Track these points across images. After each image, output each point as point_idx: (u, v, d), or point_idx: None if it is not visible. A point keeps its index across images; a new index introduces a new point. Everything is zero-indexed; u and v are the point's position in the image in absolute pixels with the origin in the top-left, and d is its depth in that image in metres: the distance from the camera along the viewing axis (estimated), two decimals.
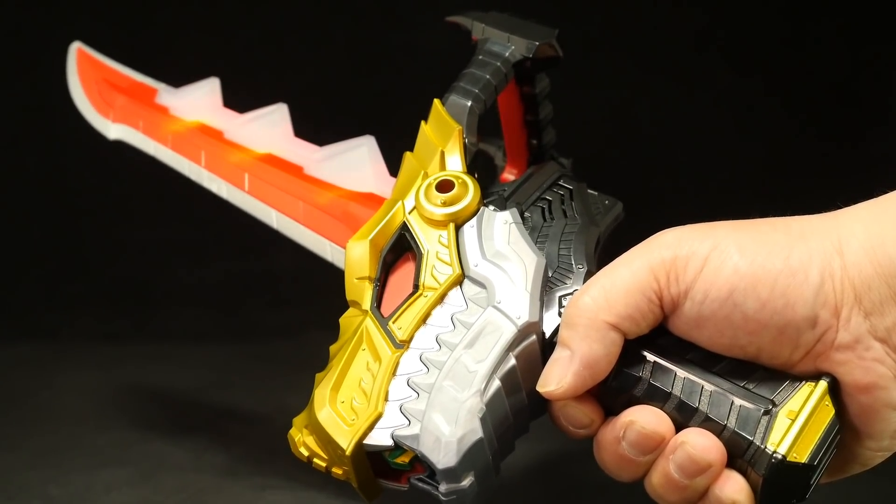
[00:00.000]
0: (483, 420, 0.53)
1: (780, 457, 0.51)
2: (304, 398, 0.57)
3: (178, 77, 0.77)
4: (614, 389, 0.54)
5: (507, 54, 0.64)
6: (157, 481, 0.73)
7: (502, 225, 0.59)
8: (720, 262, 0.52)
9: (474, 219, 0.59)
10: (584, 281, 0.57)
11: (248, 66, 1.13)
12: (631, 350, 0.54)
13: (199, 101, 0.74)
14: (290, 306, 1.01)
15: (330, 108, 1.04)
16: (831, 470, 0.54)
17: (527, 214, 0.61)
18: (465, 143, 0.62)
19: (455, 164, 0.61)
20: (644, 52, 1.15)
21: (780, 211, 0.55)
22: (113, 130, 0.75)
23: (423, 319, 0.57)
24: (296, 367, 0.72)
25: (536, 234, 0.60)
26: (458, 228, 0.59)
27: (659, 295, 0.53)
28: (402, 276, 0.59)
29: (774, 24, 1.17)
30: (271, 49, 1.16)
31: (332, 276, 0.64)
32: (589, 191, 0.64)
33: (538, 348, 0.56)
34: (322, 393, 0.56)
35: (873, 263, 0.51)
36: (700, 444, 0.52)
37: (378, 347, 0.56)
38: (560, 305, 0.57)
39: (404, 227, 0.60)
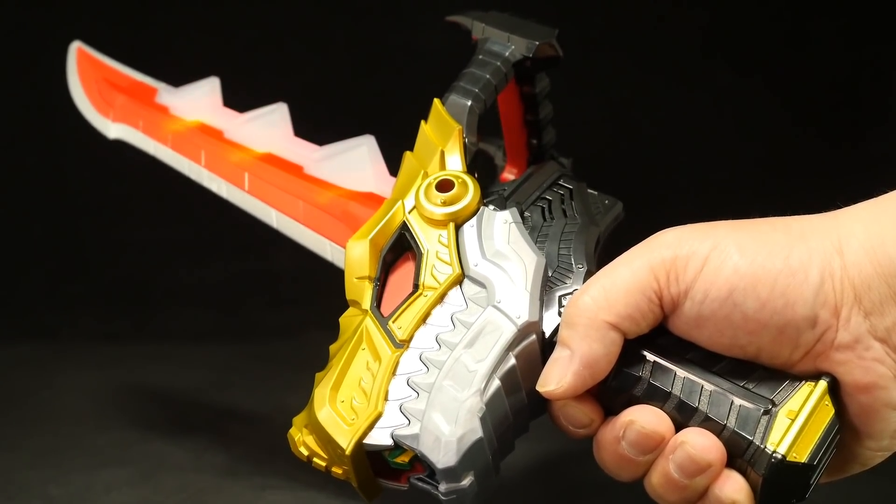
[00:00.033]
0: (483, 419, 0.53)
1: (779, 456, 0.51)
2: (304, 398, 0.57)
3: (178, 77, 0.77)
4: (614, 389, 0.54)
5: (507, 54, 0.64)
6: (157, 481, 0.73)
7: (502, 224, 0.59)
8: (720, 262, 0.52)
9: (474, 218, 0.59)
10: (584, 280, 0.57)
11: (248, 66, 1.13)
12: (631, 350, 0.54)
13: (199, 101, 0.74)
14: (290, 306, 1.01)
15: (330, 108, 1.04)
16: (831, 470, 0.54)
17: (527, 214, 0.61)
18: (465, 143, 0.62)
19: (455, 163, 0.61)
20: (644, 52, 1.15)
21: (780, 211, 0.55)
22: (113, 130, 0.76)
23: (423, 319, 0.57)
24: (296, 367, 0.72)
25: (536, 234, 0.60)
26: (457, 228, 0.59)
27: (659, 294, 0.53)
28: (401, 276, 0.59)
29: (774, 24, 1.17)
30: (271, 49, 1.16)
31: (332, 276, 0.64)
32: (589, 190, 0.64)
33: (538, 348, 0.56)
34: (322, 392, 0.56)
35: (873, 263, 0.51)
36: (700, 443, 0.52)
37: (378, 347, 0.56)
38: (560, 305, 0.57)
39: (404, 227, 0.60)
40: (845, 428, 0.53)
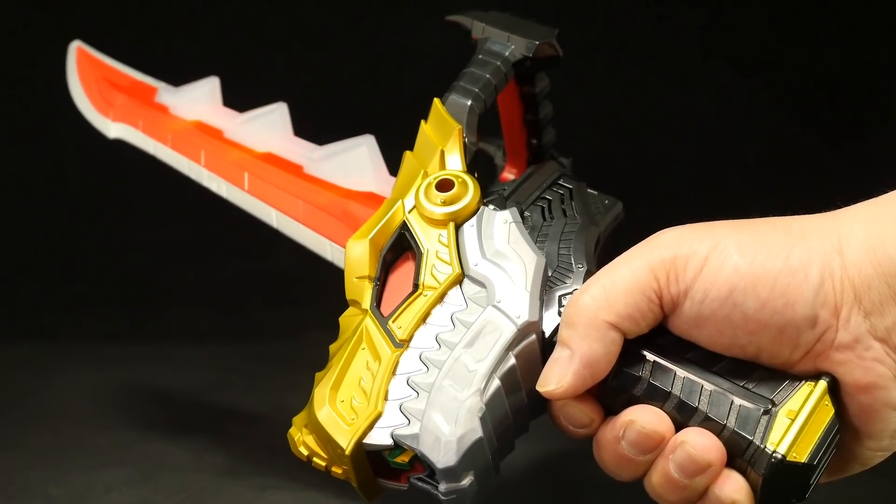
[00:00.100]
0: (483, 419, 0.53)
1: (779, 456, 0.51)
2: (303, 398, 0.57)
3: (178, 76, 0.77)
4: (614, 389, 0.54)
5: (506, 53, 0.64)
6: (157, 481, 0.73)
7: (502, 224, 0.59)
8: (720, 262, 0.52)
9: (474, 218, 0.59)
10: (584, 280, 0.57)
11: (248, 66, 1.13)
12: (631, 349, 0.54)
13: (199, 100, 0.74)
14: (290, 306, 1.01)
15: (330, 108, 1.04)
16: (831, 470, 0.54)
17: (526, 214, 0.61)
18: (464, 143, 0.62)
19: (455, 163, 0.61)
20: (644, 52, 1.15)
21: (780, 211, 0.55)
22: (113, 129, 0.76)
23: (423, 319, 0.57)
24: (296, 367, 0.72)
25: (536, 234, 0.60)
26: (457, 228, 0.59)
27: (659, 294, 0.53)
28: (401, 276, 0.59)
29: (774, 24, 1.17)
30: (271, 49, 1.16)
31: (332, 276, 0.64)
32: (589, 190, 0.64)
33: (538, 348, 0.56)
34: (322, 392, 0.56)
35: (873, 263, 0.51)
36: (700, 443, 0.52)
37: (378, 347, 0.56)
38: (560, 305, 0.57)
39: (404, 227, 0.60)
40: (845, 428, 0.53)
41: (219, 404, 0.86)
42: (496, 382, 0.54)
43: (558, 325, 0.55)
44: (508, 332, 0.55)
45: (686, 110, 1.13)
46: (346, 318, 0.59)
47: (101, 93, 0.76)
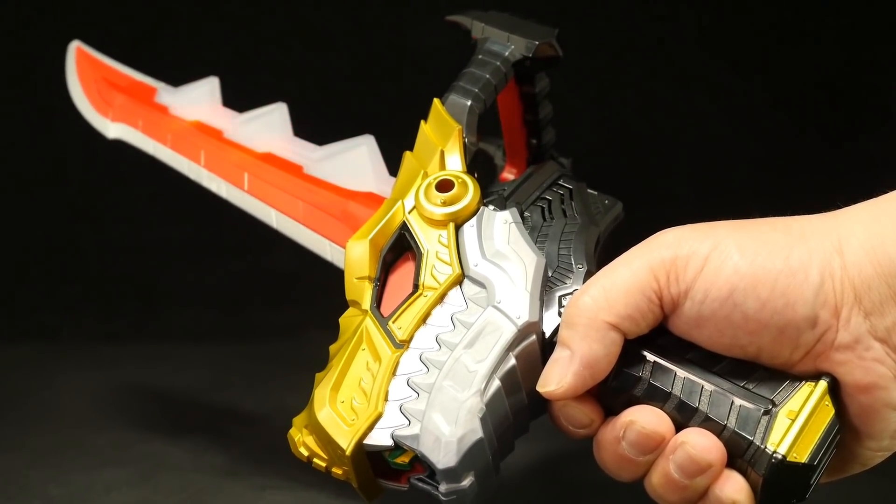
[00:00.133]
0: (483, 420, 0.53)
1: (780, 457, 0.51)
2: (304, 398, 0.57)
3: (178, 76, 0.77)
4: (614, 389, 0.54)
5: (506, 54, 0.64)
6: (157, 481, 0.73)
7: (502, 224, 0.59)
8: (720, 262, 0.52)
9: (474, 218, 0.59)
10: (584, 281, 0.57)
11: (247, 66, 1.13)
12: (631, 350, 0.54)
13: (199, 101, 0.74)
14: (290, 306, 1.01)
15: (330, 108, 1.04)
16: (831, 470, 0.54)
17: (526, 214, 0.61)
18: (464, 143, 0.62)
19: (455, 163, 0.61)
20: (644, 51, 1.15)
21: (780, 211, 0.55)
22: (112, 130, 0.75)
23: (423, 319, 0.57)
24: (296, 367, 0.72)
25: (536, 234, 0.60)
26: (457, 228, 0.59)
27: (659, 295, 0.53)
28: (401, 276, 0.59)
29: (774, 25, 1.17)
30: (271, 49, 1.16)
31: (332, 276, 0.64)
32: (589, 190, 0.64)
33: (538, 348, 0.56)
34: (322, 393, 0.56)
35: (873, 263, 0.51)
36: (700, 444, 0.52)
37: (378, 347, 0.56)
38: (560, 305, 0.57)
39: (404, 227, 0.60)
40: (845, 428, 0.53)
41: (219, 404, 0.86)
42: (496, 383, 0.54)
43: (558, 325, 0.55)
44: (509, 332, 0.55)
45: (686, 110, 1.13)
46: (346, 319, 0.59)
47: (101, 93, 0.76)
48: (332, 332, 0.59)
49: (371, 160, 0.67)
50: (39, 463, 0.76)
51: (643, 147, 1.14)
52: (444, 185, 0.60)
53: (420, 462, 0.54)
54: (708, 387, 0.53)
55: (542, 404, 0.55)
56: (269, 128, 0.71)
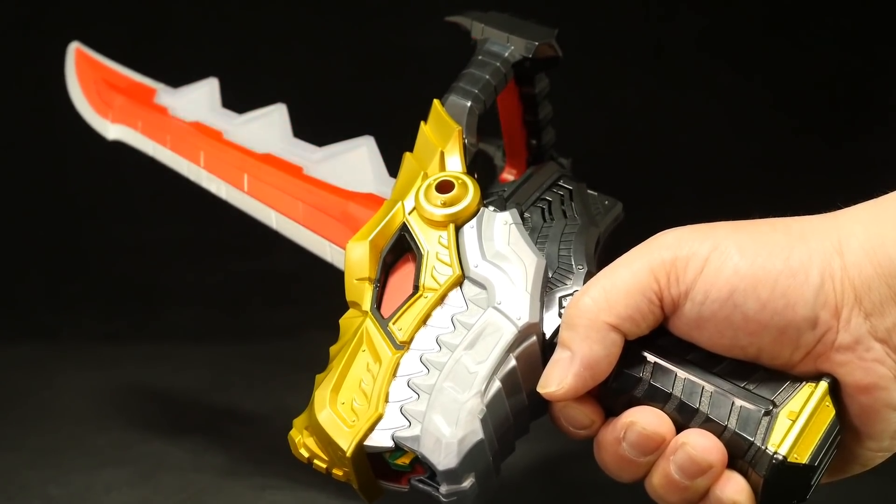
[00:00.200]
0: (484, 421, 0.53)
1: (780, 457, 0.51)
2: (304, 398, 0.57)
3: (177, 77, 0.77)
4: (615, 390, 0.54)
5: (506, 54, 0.64)
6: (157, 481, 0.73)
7: (502, 225, 0.59)
8: (720, 263, 0.52)
9: (474, 219, 0.59)
10: (585, 281, 0.57)
11: (247, 66, 1.13)
12: (631, 351, 0.54)
13: (198, 102, 0.74)
14: (290, 306, 1.01)
15: (330, 108, 1.04)
16: (832, 470, 0.54)
17: (527, 215, 0.61)
18: (464, 144, 0.62)
19: (455, 164, 0.61)
20: (644, 51, 1.15)
21: (780, 211, 0.55)
22: (112, 131, 0.75)
23: (424, 320, 0.57)
24: (296, 367, 0.72)
25: (536, 235, 0.60)
26: (457, 229, 0.59)
27: (659, 296, 0.53)
28: (402, 277, 0.59)
29: (774, 25, 1.17)
30: (271, 49, 1.16)
31: (332, 277, 0.64)
32: (589, 191, 0.64)
33: (538, 349, 0.56)
34: (322, 394, 0.56)
35: (873, 264, 0.51)
36: (701, 444, 0.52)
37: (378, 348, 0.56)
38: (560, 306, 0.56)
39: (404, 228, 0.60)
40: (846, 429, 0.53)
41: (219, 404, 0.86)
42: (497, 384, 0.54)
43: (559, 326, 0.55)
44: (509, 333, 0.55)
45: (686, 110, 1.13)
46: (347, 320, 0.59)
47: (100, 94, 0.76)
48: (333, 333, 0.59)
49: (371, 161, 0.67)
50: (39, 463, 0.76)
51: (643, 147, 1.14)
52: (444, 187, 0.60)
53: (421, 463, 0.54)
54: (708, 388, 0.53)
55: (542, 405, 0.55)
56: (268, 129, 0.71)
